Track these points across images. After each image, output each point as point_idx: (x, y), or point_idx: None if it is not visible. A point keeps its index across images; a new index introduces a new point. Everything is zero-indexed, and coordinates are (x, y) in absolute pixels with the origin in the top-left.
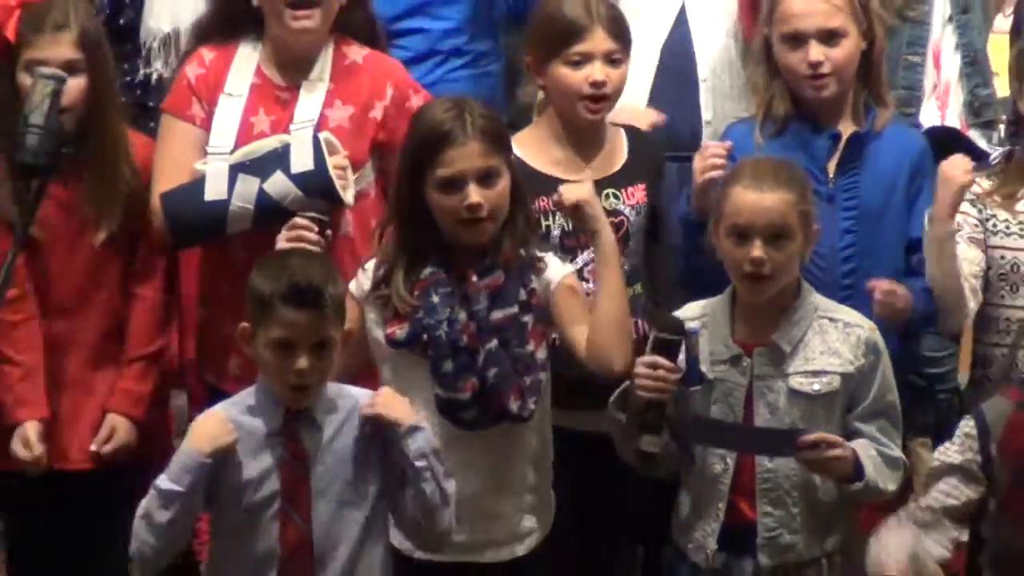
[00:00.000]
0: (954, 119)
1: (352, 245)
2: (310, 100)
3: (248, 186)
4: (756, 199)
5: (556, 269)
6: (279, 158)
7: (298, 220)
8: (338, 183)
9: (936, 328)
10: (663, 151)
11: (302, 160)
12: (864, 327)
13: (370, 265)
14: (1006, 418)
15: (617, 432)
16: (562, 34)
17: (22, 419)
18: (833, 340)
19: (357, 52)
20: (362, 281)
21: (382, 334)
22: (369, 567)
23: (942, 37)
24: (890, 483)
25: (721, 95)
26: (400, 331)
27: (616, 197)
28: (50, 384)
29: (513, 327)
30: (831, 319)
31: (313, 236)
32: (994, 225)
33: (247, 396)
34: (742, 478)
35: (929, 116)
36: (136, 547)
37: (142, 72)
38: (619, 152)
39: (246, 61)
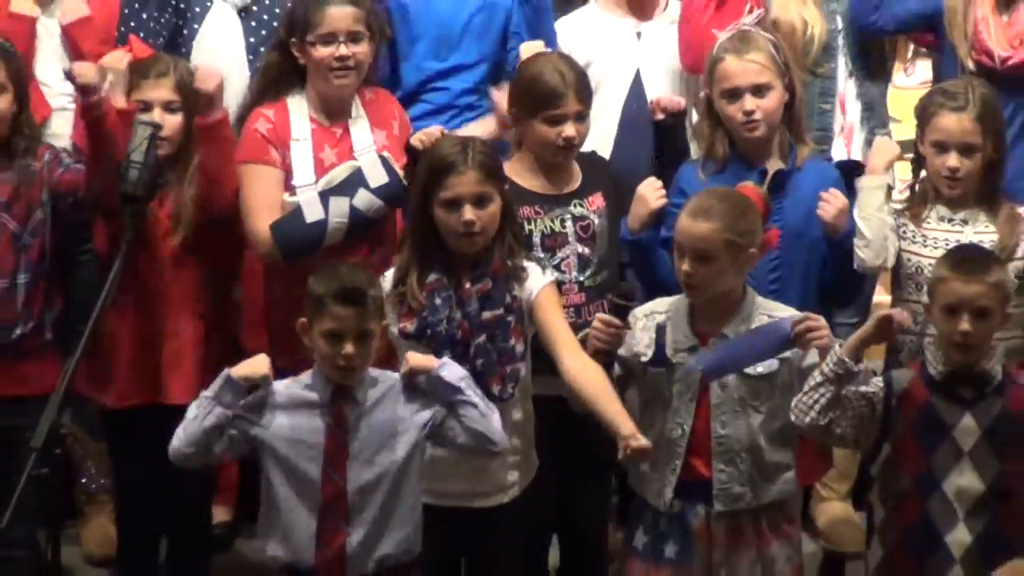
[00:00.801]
0: (857, 153)
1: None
2: (359, 132)
3: (340, 205)
4: (689, 225)
5: (536, 279)
6: (358, 179)
7: None
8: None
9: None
10: (607, 166)
11: (377, 176)
12: (798, 318)
13: (389, 273)
14: (908, 382)
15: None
16: (541, 99)
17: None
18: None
19: (368, 89)
20: (383, 284)
21: (397, 328)
22: (400, 515)
23: (846, 88)
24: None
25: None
26: (410, 326)
27: (582, 206)
28: (156, 339)
29: (499, 325)
30: (770, 316)
31: None
32: (904, 233)
33: (305, 376)
34: (699, 441)
35: (838, 152)
36: (172, 445)
37: None
38: (576, 173)
39: (299, 112)
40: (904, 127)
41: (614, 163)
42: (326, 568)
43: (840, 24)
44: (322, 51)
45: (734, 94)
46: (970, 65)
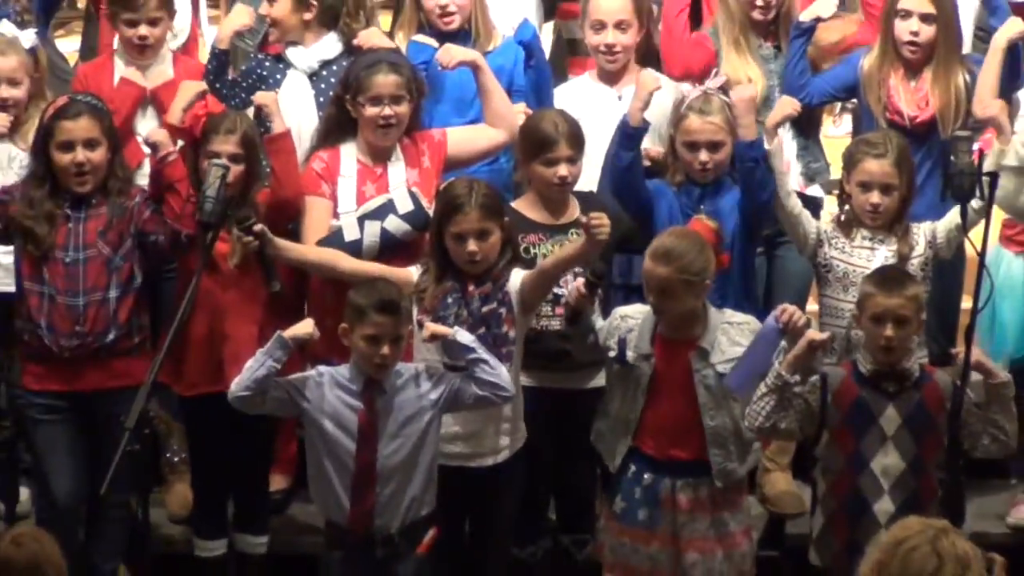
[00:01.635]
0: (794, 183)
1: None
2: (395, 171)
3: (373, 228)
4: (651, 268)
5: (516, 274)
6: (390, 207)
7: None
8: (430, 213)
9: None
10: (597, 202)
11: (405, 206)
12: (751, 322)
13: (415, 268)
14: (840, 379)
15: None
16: (537, 145)
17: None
18: (734, 335)
19: (407, 136)
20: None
21: (415, 320)
22: (418, 479)
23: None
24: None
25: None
26: (426, 318)
27: (576, 234)
28: (219, 340)
29: (493, 316)
30: (728, 323)
31: None
32: (834, 243)
33: (344, 368)
34: (680, 429)
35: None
36: (230, 390)
37: None
38: (573, 206)
39: (349, 155)
40: (832, 169)
41: (599, 197)
42: (359, 523)
43: (777, 81)
44: (370, 110)
45: (693, 146)
46: (883, 123)
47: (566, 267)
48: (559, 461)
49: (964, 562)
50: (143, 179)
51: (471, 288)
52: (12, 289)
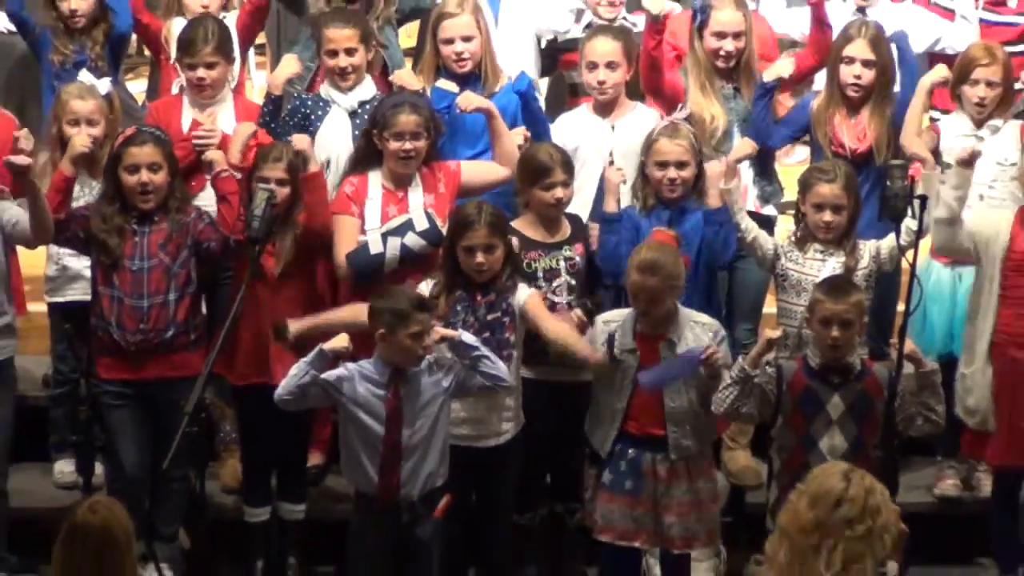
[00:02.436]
0: (751, 204)
1: None
2: (415, 196)
3: (395, 243)
4: (641, 281)
5: (522, 292)
6: (409, 225)
7: None
8: (443, 232)
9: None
10: (586, 225)
11: (422, 224)
12: (713, 324)
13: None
14: (793, 372)
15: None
16: (536, 172)
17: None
18: (699, 333)
19: (425, 166)
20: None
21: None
22: (433, 455)
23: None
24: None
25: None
26: (439, 323)
27: (570, 251)
28: (265, 338)
29: (498, 323)
30: (695, 322)
31: None
32: (789, 255)
33: (368, 362)
34: (652, 411)
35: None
36: (276, 393)
37: None
38: (567, 227)
39: (375, 181)
40: (788, 193)
41: (592, 217)
42: (387, 493)
43: (735, 117)
44: (393, 144)
45: (663, 165)
46: (829, 154)
47: (562, 350)
48: (554, 442)
49: (869, 487)
50: (200, 200)
51: (478, 298)
52: (89, 298)
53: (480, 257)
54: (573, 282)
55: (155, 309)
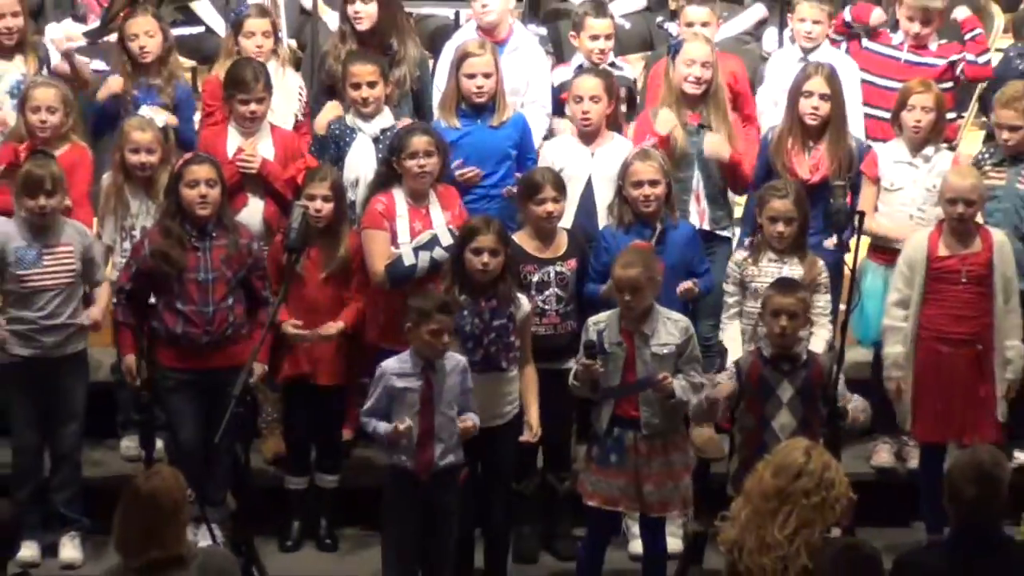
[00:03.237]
0: (707, 226)
1: None
2: (435, 213)
3: (425, 256)
4: (624, 273)
5: (525, 307)
6: (436, 241)
7: None
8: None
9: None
10: (583, 240)
11: (446, 240)
12: (683, 320)
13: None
14: (749, 362)
15: (575, 387)
16: (531, 189)
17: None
18: (670, 328)
19: (441, 185)
20: None
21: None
22: (455, 433)
23: (699, 182)
24: (691, 395)
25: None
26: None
27: (561, 266)
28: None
29: (503, 328)
30: (668, 319)
31: None
32: (748, 270)
33: (404, 355)
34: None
35: (693, 218)
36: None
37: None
38: (563, 242)
39: (401, 200)
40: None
41: (575, 231)
42: (424, 468)
43: (695, 150)
44: (409, 163)
45: (638, 184)
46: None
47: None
48: (546, 421)
49: (827, 463)
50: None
51: (483, 304)
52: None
53: (485, 258)
54: (561, 293)
55: (219, 313)
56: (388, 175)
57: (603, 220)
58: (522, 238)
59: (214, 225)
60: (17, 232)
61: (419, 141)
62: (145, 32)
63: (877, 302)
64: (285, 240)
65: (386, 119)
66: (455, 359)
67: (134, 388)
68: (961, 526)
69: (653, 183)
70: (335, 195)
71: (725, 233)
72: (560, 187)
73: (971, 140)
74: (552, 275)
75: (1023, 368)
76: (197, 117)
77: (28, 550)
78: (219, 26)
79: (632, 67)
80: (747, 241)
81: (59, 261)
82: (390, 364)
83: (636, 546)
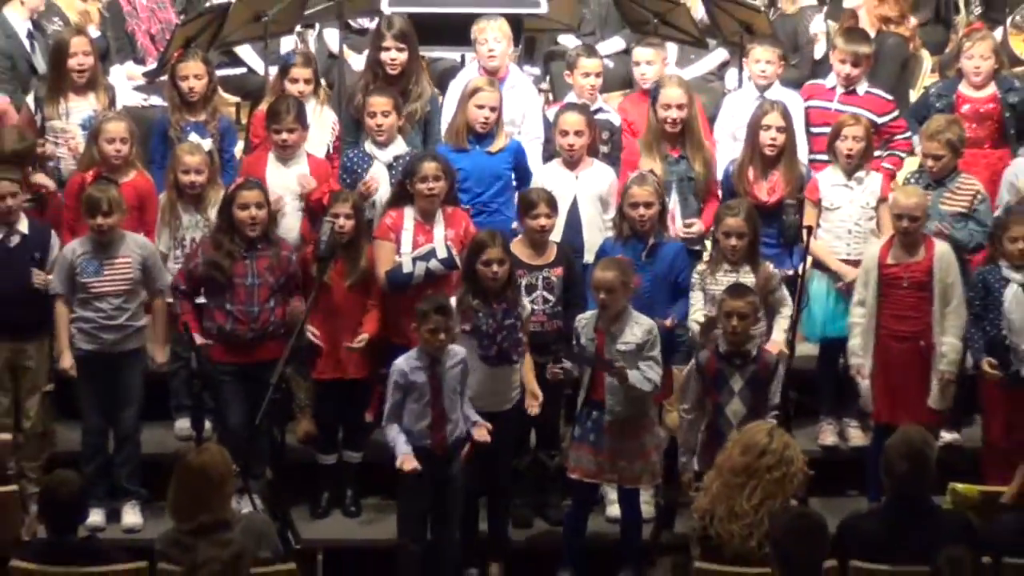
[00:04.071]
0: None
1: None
2: (439, 229)
3: (421, 266)
4: (601, 275)
5: (527, 309)
6: (432, 253)
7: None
8: (458, 261)
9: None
10: (570, 251)
11: (442, 253)
12: (649, 324)
13: (452, 298)
14: (706, 357)
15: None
16: (527, 206)
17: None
18: (635, 330)
19: (448, 206)
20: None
21: (458, 327)
22: (460, 413)
23: (676, 205)
24: (645, 385)
25: (594, 230)
26: (467, 326)
27: (549, 271)
28: (335, 332)
29: (511, 327)
30: (636, 322)
31: None
32: (708, 281)
33: (413, 352)
34: (598, 386)
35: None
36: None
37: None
38: (552, 252)
39: (409, 216)
40: None
41: (564, 244)
42: (438, 445)
43: (675, 178)
44: (420, 185)
45: (635, 205)
46: None
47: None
48: (540, 405)
49: (787, 443)
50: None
51: (495, 306)
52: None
53: (495, 268)
54: (548, 296)
55: (262, 314)
56: (402, 195)
57: (587, 234)
58: (517, 246)
59: (260, 239)
60: (84, 247)
61: (429, 167)
62: (194, 75)
63: (821, 305)
64: (315, 250)
65: (399, 147)
66: (456, 353)
67: (193, 369)
68: (895, 495)
69: (648, 205)
70: (355, 213)
71: (697, 248)
72: (552, 204)
73: (909, 164)
74: (540, 280)
75: (956, 362)
76: (240, 145)
77: (95, 516)
78: (259, 67)
79: (614, 106)
80: (706, 254)
81: (117, 271)
82: (399, 364)
83: (613, 510)
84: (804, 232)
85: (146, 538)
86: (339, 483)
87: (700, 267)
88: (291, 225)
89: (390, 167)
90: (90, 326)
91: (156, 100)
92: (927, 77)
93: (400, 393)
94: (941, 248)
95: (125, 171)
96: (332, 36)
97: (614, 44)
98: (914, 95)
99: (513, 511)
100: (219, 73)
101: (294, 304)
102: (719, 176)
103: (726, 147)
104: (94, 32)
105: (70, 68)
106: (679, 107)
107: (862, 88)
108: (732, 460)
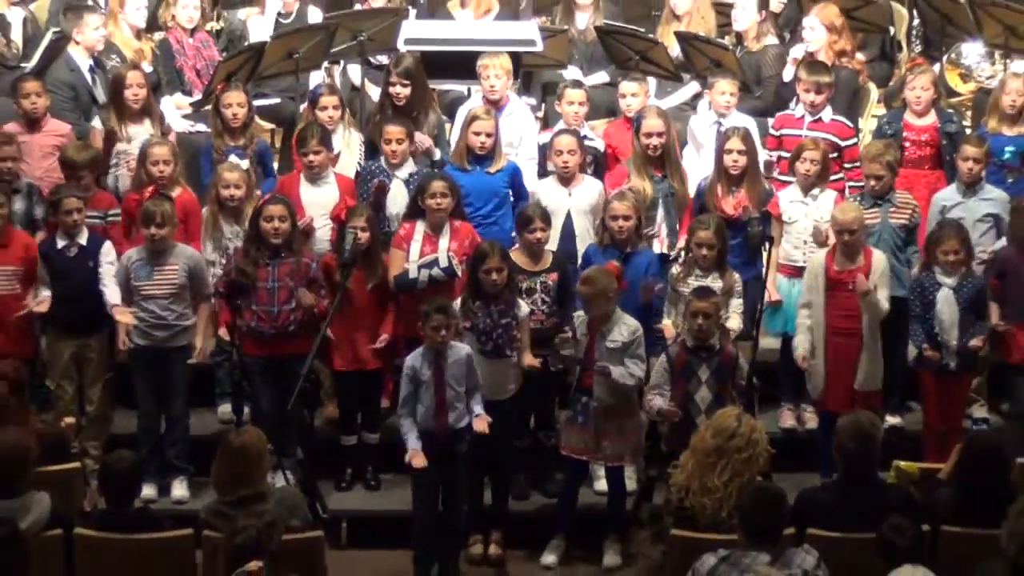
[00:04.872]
0: (665, 248)
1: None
2: (444, 242)
3: (424, 273)
4: (580, 288)
5: (524, 310)
6: (435, 261)
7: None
8: (458, 270)
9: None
10: (564, 259)
11: (444, 263)
12: (634, 324)
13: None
14: (676, 351)
15: (556, 359)
16: (525, 220)
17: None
18: (622, 330)
19: (456, 220)
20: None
21: (462, 324)
22: (463, 403)
23: (662, 218)
24: (628, 380)
25: (586, 239)
26: (468, 324)
27: (545, 276)
28: (357, 331)
29: (507, 326)
30: (623, 323)
31: None
32: (680, 287)
33: (422, 348)
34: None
35: (657, 246)
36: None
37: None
38: (548, 260)
39: (420, 229)
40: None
41: (559, 253)
42: (443, 429)
43: (660, 194)
44: (429, 201)
45: (615, 218)
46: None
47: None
48: (535, 394)
49: (753, 427)
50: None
51: (492, 307)
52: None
53: (495, 276)
54: (545, 298)
55: (281, 314)
56: (415, 209)
57: (581, 243)
58: (516, 255)
59: (283, 247)
60: (139, 254)
61: (437, 185)
62: (237, 103)
63: (784, 303)
64: (338, 258)
65: (411, 166)
66: (459, 350)
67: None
68: (846, 471)
69: (626, 218)
70: (370, 226)
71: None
72: (547, 219)
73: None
74: (538, 284)
75: (886, 297)
76: (275, 166)
77: (148, 490)
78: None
79: (599, 132)
80: (679, 261)
81: (166, 277)
82: (410, 360)
83: (600, 484)
84: (766, 242)
85: (192, 509)
86: (360, 461)
87: (673, 271)
88: (324, 237)
89: (407, 182)
90: (143, 324)
91: (201, 127)
92: (874, 107)
93: (411, 385)
94: (878, 256)
95: (171, 188)
96: (355, 71)
97: (599, 77)
98: (863, 122)
99: (513, 485)
100: (256, 103)
101: (302, 291)
102: (692, 192)
103: (691, 161)
104: (147, 67)
105: (126, 99)
106: (659, 135)
107: (827, 115)
108: (705, 442)
